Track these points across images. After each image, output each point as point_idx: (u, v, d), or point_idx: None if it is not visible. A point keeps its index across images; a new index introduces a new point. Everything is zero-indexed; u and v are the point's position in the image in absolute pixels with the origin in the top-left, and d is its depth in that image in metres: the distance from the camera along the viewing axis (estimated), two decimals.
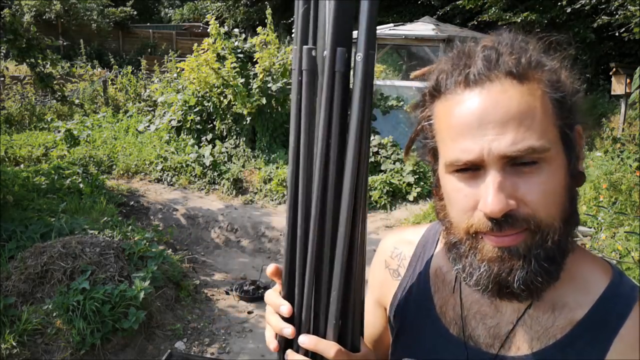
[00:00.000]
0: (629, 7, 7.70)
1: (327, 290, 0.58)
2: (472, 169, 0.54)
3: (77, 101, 6.85)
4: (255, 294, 3.90)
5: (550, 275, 0.54)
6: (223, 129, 7.24)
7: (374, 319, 0.81)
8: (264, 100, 6.65)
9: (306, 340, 0.57)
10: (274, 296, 0.62)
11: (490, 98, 0.53)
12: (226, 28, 7.95)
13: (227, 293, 3.99)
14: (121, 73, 10.64)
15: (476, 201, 0.54)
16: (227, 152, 7.01)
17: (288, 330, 0.59)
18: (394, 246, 0.79)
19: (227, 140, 7.25)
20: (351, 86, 0.58)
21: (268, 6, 8.22)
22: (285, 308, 0.60)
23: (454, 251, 0.59)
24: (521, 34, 0.57)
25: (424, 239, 0.76)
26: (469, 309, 0.65)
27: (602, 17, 8.86)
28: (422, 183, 6.29)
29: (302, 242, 0.59)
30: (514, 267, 0.54)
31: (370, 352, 0.64)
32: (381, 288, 0.79)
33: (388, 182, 6.09)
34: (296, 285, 0.60)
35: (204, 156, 6.66)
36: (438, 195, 0.63)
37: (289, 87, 6.80)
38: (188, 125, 7.42)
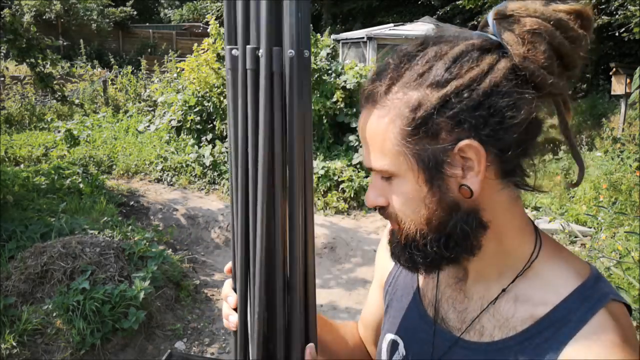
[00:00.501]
0: (629, 7, 7.70)
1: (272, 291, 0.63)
2: None
3: (77, 101, 6.85)
4: None
5: (426, 263, 0.61)
6: (223, 129, 7.24)
7: (378, 300, 0.86)
8: None
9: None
10: (227, 287, 0.71)
11: (361, 118, 0.62)
12: None
13: None
14: (121, 73, 10.64)
15: None
16: (227, 152, 7.01)
17: (233, 318, 0.68)
18: None
19: (227, 140, 7.25)
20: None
21: None
22: (232, 299, 0.68)
23: None
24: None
25: None
26: (443, 292, 0.70)
27: (602, 17, 8.86)
28: None
29: (244, 242, 0.64)
30: (396, 247, 0.64)
31: None
32: (382, 269, 0.85)
33: None
34: (239, 283, 0.65)
35: (204, 156, 6.66)
36: None
37: None
38: (188, 125, 7.42)
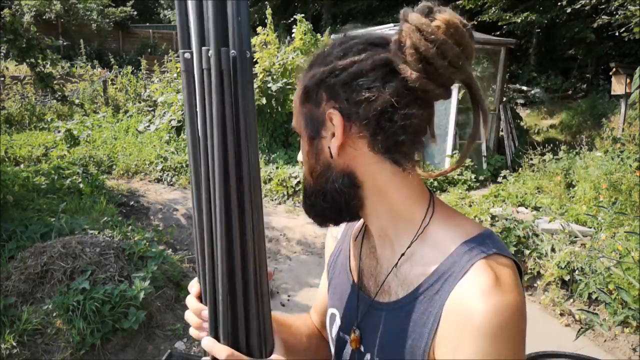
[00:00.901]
0: (629, 7, 7.70)
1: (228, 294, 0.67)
2: None
3: (77, 101, 6.85)
4: None
5: (319, 215, 0.75)
6: None
7: (326, 285, 0.92)
8: (264, 100, 6.65)
9: (204, 342, 0.69)
10: (192, 283, 0.75)
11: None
12: None
13: None
14: (121, 73, 10.65)
15: None
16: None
17: (195, 328, 0.73)
18: None
19: None
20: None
21: (268, 6, 8.23)
22: (195, 289, 0.74)
23: None
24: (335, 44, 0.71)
25: None
26: (364, 262, 0.79)
27: (602, 17, 8.86)
28: None
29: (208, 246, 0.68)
30: (302, 201, 0.77)
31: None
32: (327, 254, 0.94)
33: None
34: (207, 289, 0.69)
35: None
36: None
37: (289, 87, 6.81)
38: None
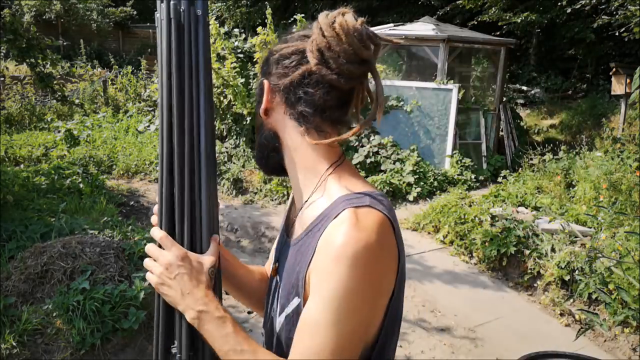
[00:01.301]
0: (629, 7, 7.70)
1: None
2: None
3: (77, 101, 6.85)
4: None
5: (256, 160, 1.02)
6: (223, 129, 7.24)
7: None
8: None
9: (151, 231, 0.93)
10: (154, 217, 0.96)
11: None
12: (226, 28, 7.95)
13: (227, 293, 3.98)
14: (121, 73, 10.64)
15: None
16: (227, 152, 7.01)
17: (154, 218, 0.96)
18: None
19: (227, 140, 7.24)
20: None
21: (268, 6, 8.22)
22: (154, 218, 0.96)
23: None
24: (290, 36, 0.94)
25: None
26: (293, 213, 0.99)
27: (602, 17, 8.86)
28: (422, 183, 6.29)
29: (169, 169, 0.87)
30: None
31: (212, 259, 0.88)
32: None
33: (388, 182, 6.09)
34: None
35: None
36: None
37: None
38: None
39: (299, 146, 0.89)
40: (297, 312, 0.84)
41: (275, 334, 0.92)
